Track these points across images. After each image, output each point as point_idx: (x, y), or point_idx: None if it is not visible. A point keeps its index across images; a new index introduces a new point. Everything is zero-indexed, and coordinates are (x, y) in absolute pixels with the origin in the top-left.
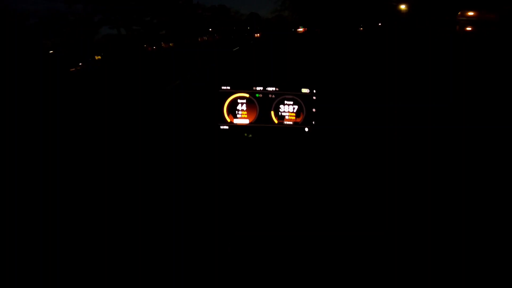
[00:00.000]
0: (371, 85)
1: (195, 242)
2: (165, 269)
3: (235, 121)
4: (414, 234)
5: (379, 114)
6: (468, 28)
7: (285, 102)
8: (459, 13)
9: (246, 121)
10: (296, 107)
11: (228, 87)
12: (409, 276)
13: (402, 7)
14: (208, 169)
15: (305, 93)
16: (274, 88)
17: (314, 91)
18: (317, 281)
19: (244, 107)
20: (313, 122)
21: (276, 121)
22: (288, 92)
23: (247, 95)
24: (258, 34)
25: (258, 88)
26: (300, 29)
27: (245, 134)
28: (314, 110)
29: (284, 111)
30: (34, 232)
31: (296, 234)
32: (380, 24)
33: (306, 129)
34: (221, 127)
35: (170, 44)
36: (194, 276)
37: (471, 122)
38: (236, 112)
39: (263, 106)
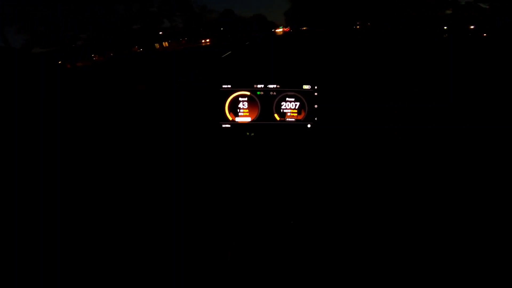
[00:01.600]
0: (371, 85)
1: (196, 242)
2: (165, 270)
3: (237, 119)
4: (414, 234)
5: (379, 114)
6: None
7: (287, 99)
8: None
9: (248, 119)
10: (297, 103)
11: (229, 86)
12: (409, 276)
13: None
14: (208, 167)
15: (307, 90)
16: (275, 86)
17: (316, 87)
18: (318, 281)
19: (245, 105)
20: (315, 119)
21: (278, 118)
22: (289, 89)
23: (248, 93)
24: (207, 40)
25: (259, 86)
26: (280, 30)
27: (247, 133)
28: (316, 106)
29: (285, 108)
30: (34, 232)
31: (297, 234)
32: (381, 25)
33: (309, 126)
34: (223, 125)
35: (111, 54)
36: (194, 277)
37: (471, 122)
38: (238, 110)
39: (264, 104)
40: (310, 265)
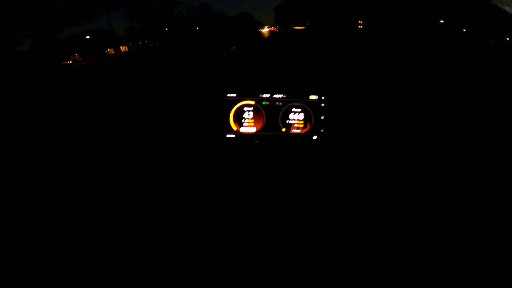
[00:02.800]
0: (371, 85)
1: (196, 242)
2: (165, 270)
3: (242, 129)
4: (414, 234)
5: (379, 114)
6: None
7: (293, 109)
8: None
9: (253, 130)
10: (304, 115)
11: (234, 95)
12: (409, 276)
13: None
14: (209, 169)
15: (313, 100)
16: (281, 96)
17: (323, 98)
18: (318, 281)
19: (250, 115)
20: (322, 130)
21: (283, 129)
22: (296, 99)
23: (254, 103)
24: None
25: (264, 96)
26: (266, 30)
27: (256, 141)
28: (322, 117)
29: (291, 119)
30: (34, 232)
31: (296, 234)
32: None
33: (314, 137)
34: (227, 135)
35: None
36: (194, 277)
37: (471, 122)
38: (243, 120)
39: (270, 114)
40: (310, 265)
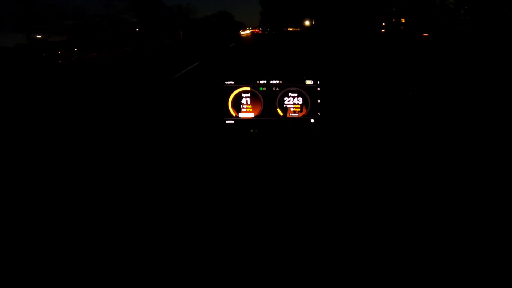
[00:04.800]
0: (371, 85)
1: (196, 242)
2: (165, 270)
3: (240, 115)
4: (414, 234)
5: (379, 114)
6: None
7: (290, 94)
8: None
9: (251, 115)
10: (300, 99)
11: (232, 82)
12: (409, 276)
13: None
14: (209, 166)
15: (309, 85)
16: (277, 81)
17: (318, 82)
18: (318, 281)
19: (248, 101)
20: (319, 114)
21: (281, 114)
22: (292, 84)
23: (251, 89)
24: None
25: (261, 82)
26: (248, 31)
27: (251, 130)
28: (319, 101)
29: (288, 104)
30: (34, 232)
31: (296, 234)
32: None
33: (312, 120)
34: (226, 121)
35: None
36: (194, 277)
37: (471, 122)
38: (241, 106)
39: (267, 99)
40: (310, 265)
